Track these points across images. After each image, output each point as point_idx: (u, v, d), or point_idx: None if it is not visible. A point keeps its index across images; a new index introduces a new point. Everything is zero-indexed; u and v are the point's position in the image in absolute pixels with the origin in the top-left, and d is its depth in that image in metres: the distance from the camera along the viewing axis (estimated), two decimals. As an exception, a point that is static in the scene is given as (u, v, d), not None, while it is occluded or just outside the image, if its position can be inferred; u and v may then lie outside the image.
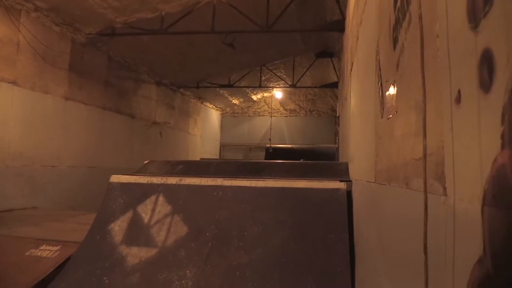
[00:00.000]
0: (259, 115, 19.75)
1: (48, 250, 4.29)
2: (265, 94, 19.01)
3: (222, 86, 15.40)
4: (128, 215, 4.46)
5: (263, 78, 15.34)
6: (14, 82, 7.27)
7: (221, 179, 4.56)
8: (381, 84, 1.81)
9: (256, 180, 4.45)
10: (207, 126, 18.46)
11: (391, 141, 1.56)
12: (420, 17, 1.01)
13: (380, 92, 1.82)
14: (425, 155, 0.97)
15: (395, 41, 1.46)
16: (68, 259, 4.11)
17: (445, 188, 0.81)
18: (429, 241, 0.93)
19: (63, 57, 8.58)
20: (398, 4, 1.39)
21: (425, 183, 0.96)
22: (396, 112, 1.42)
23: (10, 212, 6.74)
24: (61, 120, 8.56)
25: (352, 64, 4.43)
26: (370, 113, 2.28)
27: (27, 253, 4.28)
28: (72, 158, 8.91)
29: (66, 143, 8.70)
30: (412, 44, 1.14)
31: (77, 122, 9.10)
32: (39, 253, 4.26)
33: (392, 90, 1.52)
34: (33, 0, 7.33)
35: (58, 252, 4.25)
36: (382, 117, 1.77)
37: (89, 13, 8.07)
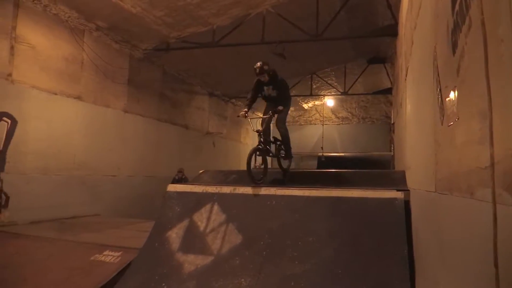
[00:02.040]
0: (311, 124, 19.61)
1: (111, 255, 4.51)
2: (316, 102, 18.88)
3: (273, 95, 15.46)
4: (185, 223, 4.59)
5: (314, 86, 15.27)
6: (78, 97, 7.79)
7: (274, 189, 4.58)
8: (440, 89, 1.75)
9: (309, 190, 4.42)
10: (258, 136, 18.54)
11: (452, 148, 1.50)
12: (483, 23, 0.98)
13: (439, 98, 1.76)
14: (492, 164, 0.92)
15: (454, 45, 1.41)
16: (129, 264, 4.30)
17: (515, 199, 0.78)
18: (500, 253, 0.88)
19: (122, 72, 9.06)
20: (456, 8, 1.34)
21: (493, 193, 0.92)
22: (458, 118, 1.37)
23: (74, 219, 7.18)
24: (120, 132, 9.02)
25: (407, 70, 4.31)
26: (428, 119, 2.21)
27: (91, 258, 4.53)
28: (130, 167, 9.33)
29: (125, 153, 9.14)
30: (474, 49, 1.10)
31: (135, 134, 9.54)
32: (102, 258, 4.49)
33: (452, 96, 1.47)
34: (94, 20, 7.85)
35: (120, 257, 4.46)
36: (442, 124, 1.71)
37: (145, 30, 8.49)
